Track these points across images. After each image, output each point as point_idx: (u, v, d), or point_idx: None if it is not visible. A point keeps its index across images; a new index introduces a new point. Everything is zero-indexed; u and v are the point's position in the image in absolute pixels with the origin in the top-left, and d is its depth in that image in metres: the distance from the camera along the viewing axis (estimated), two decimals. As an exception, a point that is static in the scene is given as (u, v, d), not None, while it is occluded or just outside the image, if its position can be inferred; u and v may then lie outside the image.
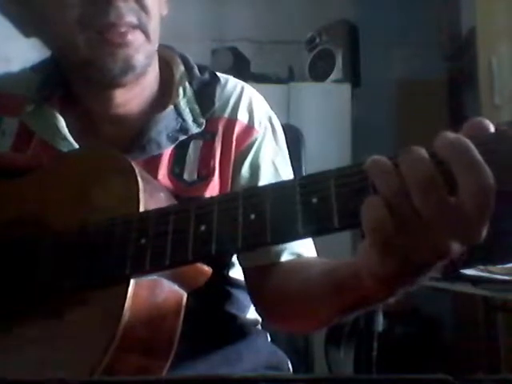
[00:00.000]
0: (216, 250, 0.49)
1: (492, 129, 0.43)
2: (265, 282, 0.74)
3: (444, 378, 0.32)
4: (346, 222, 0.44)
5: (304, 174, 1.11)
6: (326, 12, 2.91)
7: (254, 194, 0.50)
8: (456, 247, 0.43)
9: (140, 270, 0.52)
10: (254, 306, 0.80)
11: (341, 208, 0.44)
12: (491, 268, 1.48)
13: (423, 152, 0.42)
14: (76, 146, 0.74)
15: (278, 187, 0.50)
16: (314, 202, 0.46)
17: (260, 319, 0.86)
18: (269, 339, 0.88)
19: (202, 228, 0.50)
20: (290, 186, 0.48)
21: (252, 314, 0.84)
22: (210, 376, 0.37)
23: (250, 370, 0.74)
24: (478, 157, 0.40)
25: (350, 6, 3.04)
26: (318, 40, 2.76)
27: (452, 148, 0.41)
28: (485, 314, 2.04)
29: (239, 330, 0.79)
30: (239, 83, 0.86)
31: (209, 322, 0.72)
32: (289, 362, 0.85)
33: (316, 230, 0.46)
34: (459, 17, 2.88)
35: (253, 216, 0.48)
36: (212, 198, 0.54)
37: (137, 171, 0.59)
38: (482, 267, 1.49)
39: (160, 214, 0.54)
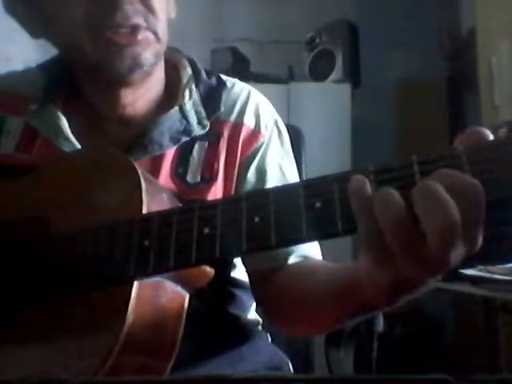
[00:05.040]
0: (220, 252, 0.49)
1: (491, 137, 0.43)
2: (271, 284, 0.73)
3: (444, 378, 0.32)
4: (350, 226, 0.44)
5: (304, 174, 1.11)
6: (326, 12, 2.91)
7: (257, 197, 0.49)
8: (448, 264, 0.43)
9: (144, 272, 0.52)
10: (259, 308, 0.80)
11: (344, 212, 0.44)
12: (491, 268, 1.48)
13: (395, 195, 0.42)
14: (78, 146, 0.74)
15: (282, 190, 0.50)
16: (317, 206, 0.46)
17: (260, 320, 0.86)
18: (269, 340, 0.88)
19: (206, 230, 0.50)
20: (293, 190, 0.48)
21: (253, 314, 0.84)
22: (210, 376, 0.37)
23: (250, 371, 0.74)
24: (443, 196, 0.39)
25: (350, 5, 3.04)
26: (317, 40, 2.76)
27: (418, 192, 0.41)
28: (485, 314, 2.04)
29: (241, 331, 0.79)
30: (245, 87, 0.86)
31: (211, 322, 0.72)
32: (289, 363, 0.85)
33: (320, 233, 0.46)
34: (459, 17, 2.88)
35: (257, 219, 0.48)
36: (215, 200, 0.54)
37: (139, 172, 0.59)
38: (481, 267, 1.49)
39: (163, 215, 0.53)
